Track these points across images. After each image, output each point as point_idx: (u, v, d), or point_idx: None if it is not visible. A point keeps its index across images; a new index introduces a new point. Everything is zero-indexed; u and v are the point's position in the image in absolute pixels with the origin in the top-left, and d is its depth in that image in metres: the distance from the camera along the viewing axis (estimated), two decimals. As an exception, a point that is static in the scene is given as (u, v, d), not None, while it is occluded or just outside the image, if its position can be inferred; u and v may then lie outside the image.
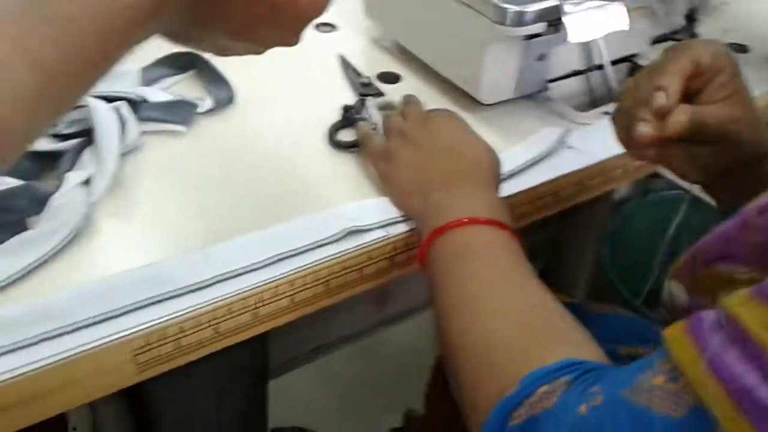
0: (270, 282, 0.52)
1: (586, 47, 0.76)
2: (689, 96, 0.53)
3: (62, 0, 0.31)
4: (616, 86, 0.78)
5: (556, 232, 1.13)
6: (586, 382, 0.40)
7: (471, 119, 0.71)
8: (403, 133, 0.61)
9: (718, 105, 0.52)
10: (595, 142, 0.68)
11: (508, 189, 0.63)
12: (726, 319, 0.36)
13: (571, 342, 0.45)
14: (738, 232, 0.43)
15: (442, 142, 0.60)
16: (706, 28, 0.89)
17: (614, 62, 0.78)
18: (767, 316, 0.34)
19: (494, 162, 0.59)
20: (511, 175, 0.64)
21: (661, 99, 0.50)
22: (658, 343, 0.38)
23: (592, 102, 0.79)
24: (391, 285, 1.07)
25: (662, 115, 0.51)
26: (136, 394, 0.65)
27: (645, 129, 0.51)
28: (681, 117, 0.50)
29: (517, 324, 0.46)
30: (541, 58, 0.72)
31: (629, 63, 0.81)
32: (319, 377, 1.39)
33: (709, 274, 0.45)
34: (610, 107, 0.70)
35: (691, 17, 0.88)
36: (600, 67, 0.77)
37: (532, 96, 0.75)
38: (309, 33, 0.86)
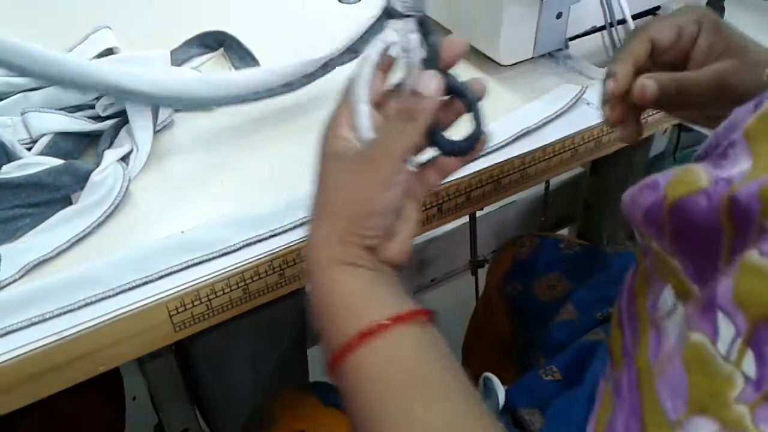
0: (293, 245, 0.55)
1: (606, 2, 0.76)
2: (678, 66, 0.54)
3: None
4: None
5: (591, 192, 1.13)
6: None
7: (492, 81, 0.73)
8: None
9: (714, 64, 0.52)
10: (614, 97, 0.69)
11: (525, 145, 0.64)
12: None
13: None
14: (632, 201, 0.43)
15: None
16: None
17: (636, 16, 0.77)
18: None
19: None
20: (529, 130, 0.65)
21: (608, 87, 0.53)
22: None
23: (614, 57, 0.78)
24: (426, 253, 1.08)
25: (618, 97, 0.53)
26: (183, 355, 0.70)
27: (605, 112, 0.54)
28: (643, 88, 0.51)
29: None
30: (559, 16, 0.72)
31: (653, 16, 0.80)
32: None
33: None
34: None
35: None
36: (622, 21, 0.77)
37: (552, 54, 0.75)
38: (333, 5, 0.88)
